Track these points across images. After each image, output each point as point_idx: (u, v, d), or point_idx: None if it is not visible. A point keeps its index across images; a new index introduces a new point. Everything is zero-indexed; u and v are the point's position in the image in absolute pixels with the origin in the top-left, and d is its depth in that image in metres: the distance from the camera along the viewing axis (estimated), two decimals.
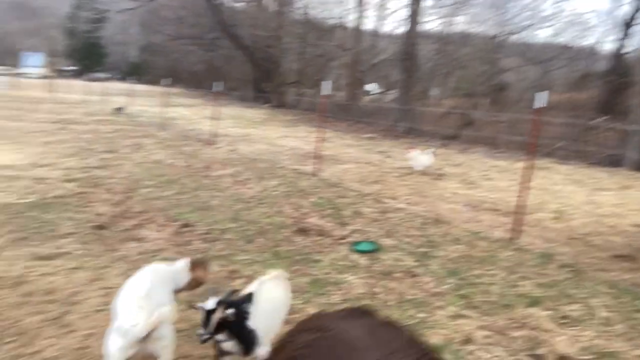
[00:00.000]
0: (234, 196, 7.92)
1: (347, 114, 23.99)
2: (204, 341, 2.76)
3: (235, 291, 3.09)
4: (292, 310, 4.06)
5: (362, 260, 5.40)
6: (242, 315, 2.85)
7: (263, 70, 37.59)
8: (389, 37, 35.88)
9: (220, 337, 2.82)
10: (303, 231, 6.26)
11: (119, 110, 22.68)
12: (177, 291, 3.33)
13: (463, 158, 15.30)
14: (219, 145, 13.86)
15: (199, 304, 2.83)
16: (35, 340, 3.36)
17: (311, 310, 4.09)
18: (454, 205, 8.49)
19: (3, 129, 13.85)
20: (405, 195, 8.99)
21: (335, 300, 4.36)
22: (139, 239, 5.56)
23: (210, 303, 2.79)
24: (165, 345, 2.80)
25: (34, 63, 68.47)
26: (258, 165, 10.97)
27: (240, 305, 2.90)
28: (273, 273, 3.32)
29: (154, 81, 64.98)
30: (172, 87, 19.06)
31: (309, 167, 10.90)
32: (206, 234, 5.95)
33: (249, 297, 2.97)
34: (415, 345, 0.96)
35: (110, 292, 3.83)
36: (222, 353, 2.92)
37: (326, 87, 10.87)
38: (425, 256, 5.62)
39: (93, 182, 8.09)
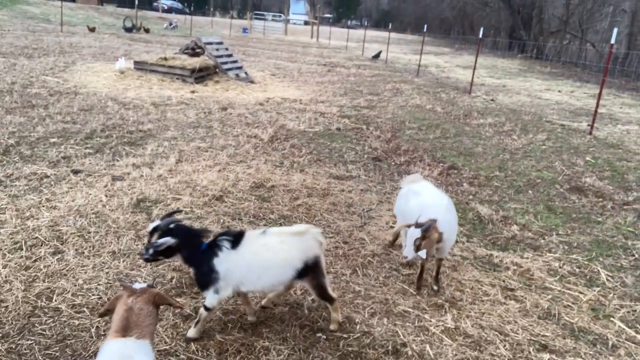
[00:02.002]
0: (498, 145, 7.80)
1: (624, 68, 20.56)
2: (146, 260, 2.54)
3: (176, 212, 2.73)
4: (575, 262, 3.97)
5: None
6: (199, 247, 2.55)
7: (521, 17, 34.56)
8: None
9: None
10: (579, 190, 5.87)
11: (376, 56, 23.93)
12: None
13: None
14: (475, 94, 13.58)
15: (152, 222, 2.59)
16: (349, 239, 4.07)
17: (594, 268, 3.91)
18: None
19: (286, 69, 16.15)
20: None
21: (624, 264, 4.06)
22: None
23: (151, 225, 2.52)
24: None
25: (298, 10, 75.60)
26: (521, 117, 10.44)
27: (191, 237, 2.54)
28: (306, 228, 2.68)
29: (402, 29, 66.24)
30: (421, 35, 19.18)
31: (581, 125, 9.94)
32: (473, 178, 6.08)
33: (237, 238, 2.54)
34: None
35: None
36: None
37: (613, 36, 9.50)
38: None
39: (364, 120, 8.93)
